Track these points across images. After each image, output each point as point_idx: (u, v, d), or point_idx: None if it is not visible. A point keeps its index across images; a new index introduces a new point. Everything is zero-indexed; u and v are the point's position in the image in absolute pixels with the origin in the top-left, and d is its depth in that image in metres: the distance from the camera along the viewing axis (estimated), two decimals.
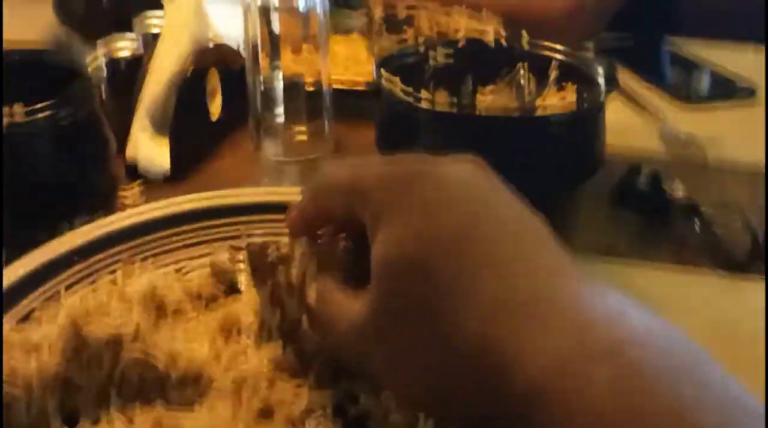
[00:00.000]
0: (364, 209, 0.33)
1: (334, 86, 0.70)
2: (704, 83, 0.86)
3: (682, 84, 0.85)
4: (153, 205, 0.50)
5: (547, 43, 0.65)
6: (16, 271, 0.44)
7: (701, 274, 0.52)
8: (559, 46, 0.64)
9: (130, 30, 0.72)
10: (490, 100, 0.61)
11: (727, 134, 0.73)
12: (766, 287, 0.49)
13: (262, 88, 0.66)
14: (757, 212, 0.58)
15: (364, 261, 0.38)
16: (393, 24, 0.92)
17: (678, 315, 0.48)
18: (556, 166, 0.56)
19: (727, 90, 0.83)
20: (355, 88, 0.75)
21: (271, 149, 0.68)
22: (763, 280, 0.50)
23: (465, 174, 0.33)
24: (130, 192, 0.60)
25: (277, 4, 0.63)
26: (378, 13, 0.92)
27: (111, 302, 0.42)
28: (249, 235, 0.50)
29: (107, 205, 0.59)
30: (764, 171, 0.66)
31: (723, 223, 0.56)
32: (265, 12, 0.63)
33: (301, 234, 0.40)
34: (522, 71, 0.64)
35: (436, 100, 0.56)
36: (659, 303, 0.49)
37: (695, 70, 0.89)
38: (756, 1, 1.10)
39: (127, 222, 0.48)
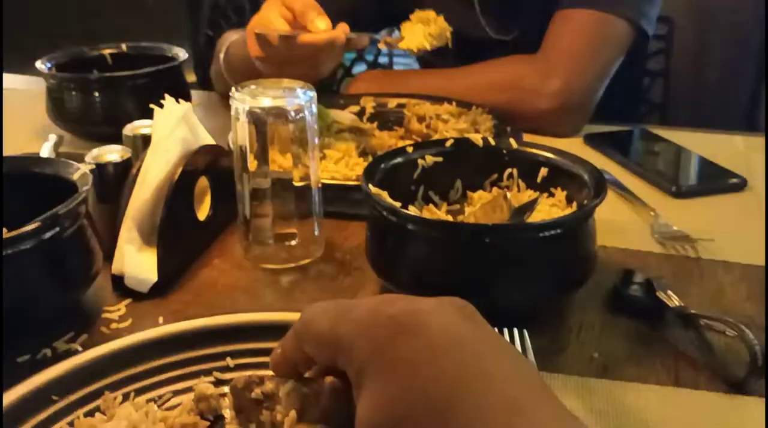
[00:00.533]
0: (347, 364, 0.33)
1: (325, 181, 0.70)
2: (694, 174, 0.86)
3: (672, 175, 0.85)
4: (134, 336, 0.49)
5: (535, 145, 0.65)
6: None
7: (699, 393, 0.50)
8: (547, 151, 0.64)
9: (120, 134, 0.73)
10: (477, 207, 0.61)
11: (719, 227, 0.72)
12: (766, 407, 0.48)
13: (251, 189, 0.66)
14: (754, 322, 0.57)
15: (352, 402, 0.37)
16: (384, 119, 0.93)
17: None
18: (547, 275, 0.55)
19: (717, 181, 0.83)
20: (345, 184, 0.75)
21: (259, 255, 0.67)
22: (763, 400, 0.48)
23: (449, 324, 0.32)
24: (116, 312, 0.59)
25: (266, 108, 0.64)
26: (369, 109, 0.93)
27: None
28: (235, 366, 0.49)
29: (92, 325, 0.58)
30: (761, 265, 0.65)
31: (719, 336, 0.54)
32: (254, 116, 0.64)
33: (285, 375, 0.39)
34: (511, 177, 0.64)
35: (423, 213, 0.56)
36: (657, 424, 0.48)
37: (685, 161, 0.89)
38: (741, 91, 1.13)
39: (106, 356, 0.47)
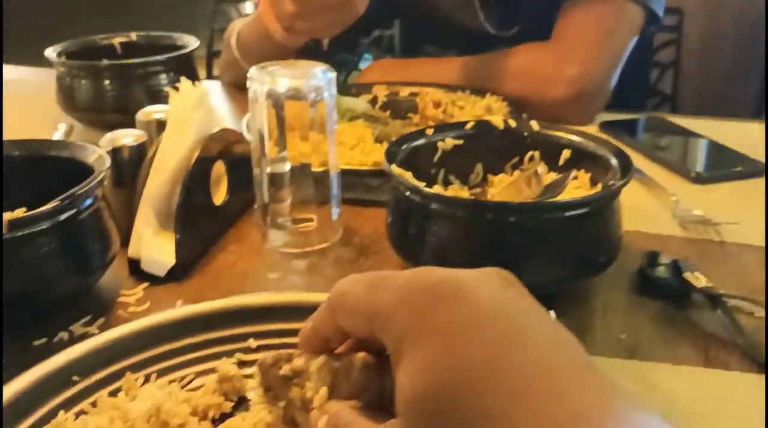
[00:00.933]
0: (385, 333, 0.32)
1: (343, 167, 0.69)
2: (713, 160, 0.85)
3: (690, 160, 0.84)
4: (155, 316, 0.48)
5: (557, 127, 0.64)
6: (10, 391, 0.41)
7: (730, 373, 0.49)
8: (569, 133, 0.63)
9: (133, 121, 0.72)
10: (501, 189, 0.60)
11: (740, 212, 0.71)
12: None
13: (269, 174, 0.65)
14: None
15: (384, 378, 0.36)
16: (396, 108, 0.92)
17: (708, 415, 0.46)
18: (573, 256, 0.54)
19: (736, 167, 0.82)
20: (361, 169, 0.74)
21: (277, 239, 0.67)
22: None
23: (491, 292, 0.31)
24: (133, 295, 0.58)
25: (285, 89, 0.62)
26: (381, 97, 0.92)
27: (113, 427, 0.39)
28: (258, 347, 0.48)
29: (109, 308, 0.57)
30: None
31: (748, 317, 0.53)
32: (273, 100, 0.63)
33: (315, 350, 0.38)
34: (533, 159, 0.63)
35: (447, 192, 0.55)
36: (688, 404, 0.47)
37: (702, 147, 0.88)
38: (752, 81, 1.12)
39: (127, 336, 0.46)
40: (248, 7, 2.04)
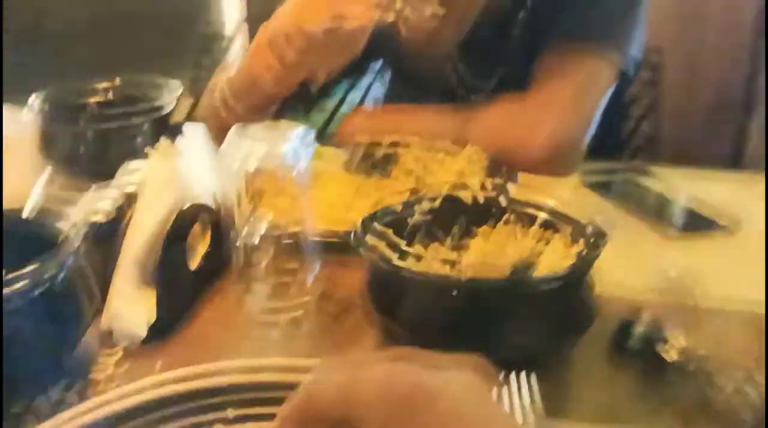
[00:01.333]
0: (362, 425, 0.32)
1: (316, 237, 0.69)
2: (684, 215, 0.86)
3: (662, 216, 0.85)
4: (128, 388, 0.47)
5: (530, 199, 0.64)
6: None
7: None
8: (543, 201, 0.63)
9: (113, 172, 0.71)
10: (475, 256, 0.60)
11: (711, 268, 0.72)
12: None
13: (244, 237, 0.65)
14: (760, 365, 0.56)
15: None
16: (375, 161, 0.92)
17: None
18: (546, 328, 0.55)
19: (707, 222, 0.83)
20: (335, 241, 0.73)
21: (256, 301, 0.67)
22: None
23: (462, 397, 0.32)
24: (109, 360, 0.58)
25: (260, 159, 0.63)
26: (360, 150, 0.92)
27: None
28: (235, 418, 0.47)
29: (84, 376, 0.56)
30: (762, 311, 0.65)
31: (726, 383, 0.54)
32: (247, 167, 0.63)
33: None
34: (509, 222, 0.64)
35: (424, 257, 0.56)
36: None
37: (674, 202, 0.89)
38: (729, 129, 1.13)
39: (101, 412, 0.45)
40: (236, 46, 2.04)
